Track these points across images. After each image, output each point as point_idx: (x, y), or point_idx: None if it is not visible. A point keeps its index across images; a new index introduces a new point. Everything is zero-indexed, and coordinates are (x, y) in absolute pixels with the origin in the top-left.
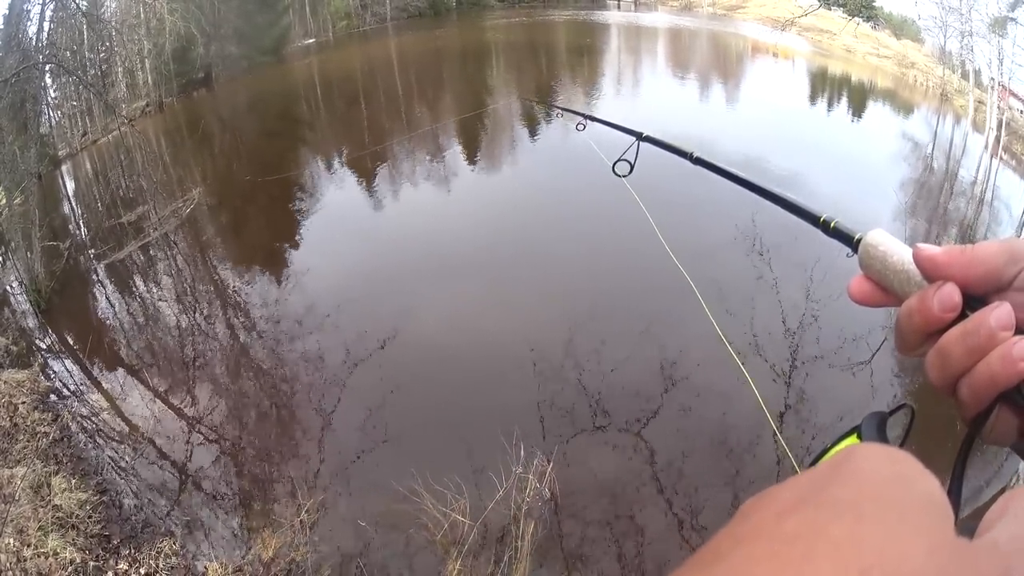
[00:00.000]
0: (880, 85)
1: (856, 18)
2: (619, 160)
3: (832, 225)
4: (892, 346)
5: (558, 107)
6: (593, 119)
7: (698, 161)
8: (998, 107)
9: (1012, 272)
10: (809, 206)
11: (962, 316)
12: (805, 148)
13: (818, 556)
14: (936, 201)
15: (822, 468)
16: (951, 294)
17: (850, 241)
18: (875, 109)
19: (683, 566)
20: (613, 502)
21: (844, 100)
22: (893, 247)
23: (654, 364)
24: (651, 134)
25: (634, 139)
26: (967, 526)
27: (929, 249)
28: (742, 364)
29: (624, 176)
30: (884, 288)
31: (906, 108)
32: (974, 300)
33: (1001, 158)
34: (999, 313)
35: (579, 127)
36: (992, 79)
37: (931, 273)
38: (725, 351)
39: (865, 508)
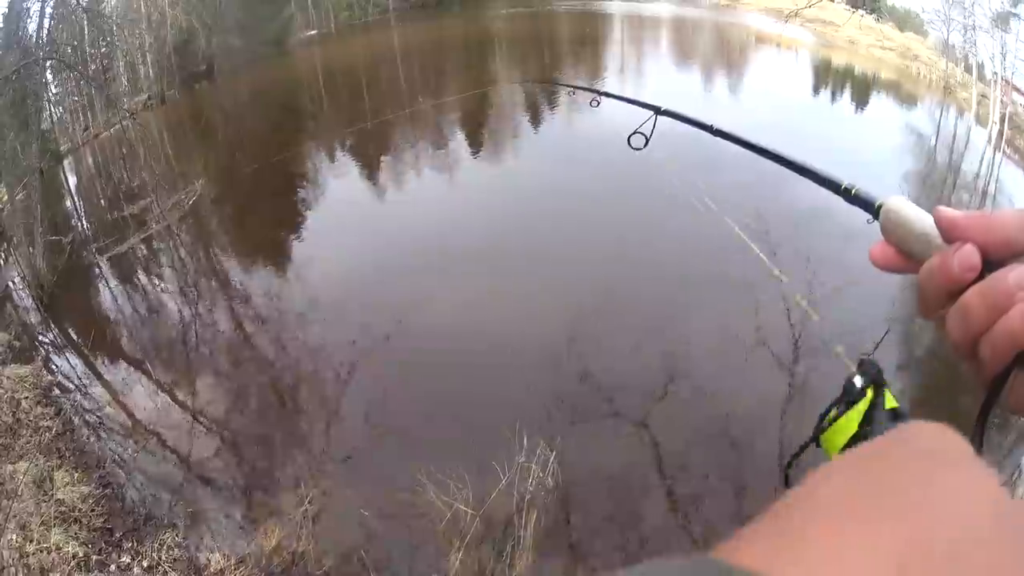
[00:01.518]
0: (883, 77)
1: (860, 10)
2: (634, 133)
3: (854, 192)
4: (895, 339)
5: (572, 86)
6: (608, 95)
7: (719, 133)
8: (1001, 101)
9: None
10: (830, 174)
11: (980, 279)
12: (808, 139)
13: (891, 498)
14: (939, 194)
15: (879, 440)
16: (971, 253)
17: (871, 207)
18: (878, 101)
19: (757, 520)
20: (617, 492)
21: (847, 92)
22: (913, 212)
23: (659, 355)
24: (669, 108)
25: (652, 113)
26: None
27: (950, 212)
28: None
29: (639, 149)
30: (904, 253)
31: (909, 101)
32: (992, 265)
33: (1004, 152)
34: (1018, 273)
35: (593, 103)
36: (995, 73)
37: (951, 235)
38: (731, 342)
39: (933, 472)
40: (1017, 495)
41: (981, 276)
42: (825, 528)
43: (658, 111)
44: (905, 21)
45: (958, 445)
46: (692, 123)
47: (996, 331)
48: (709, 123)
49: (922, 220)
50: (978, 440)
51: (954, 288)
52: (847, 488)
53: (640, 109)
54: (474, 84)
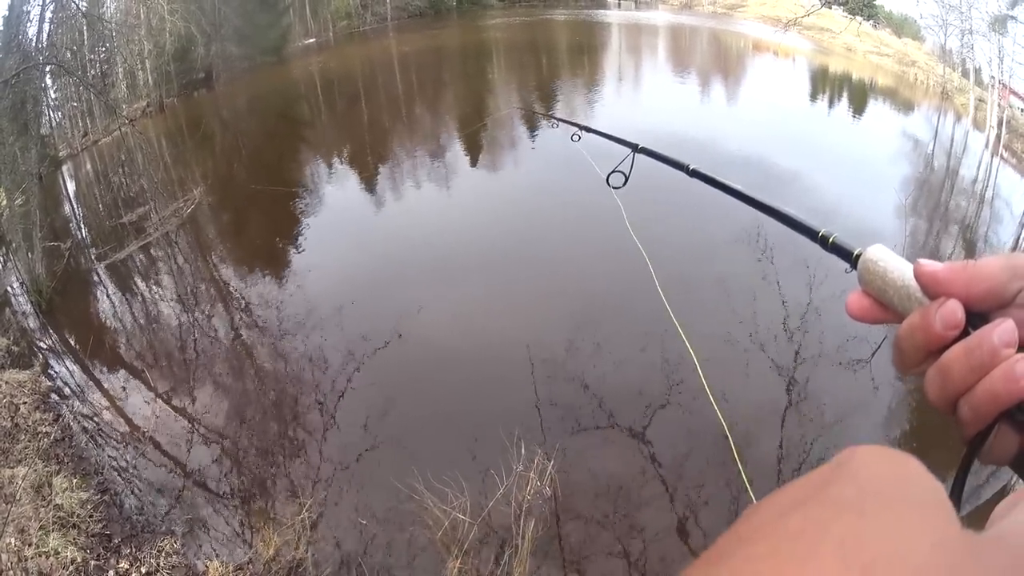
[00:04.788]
0: (881, 83)
1: (857, 17)
2: (613, 172)
3: (831, 240)
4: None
5: (555, 118)
6: (589, 130)
7: (695, 174)
8: (998, 105)
9: (1015, 288)
10: (807, 220)
11: (964, 333)
12: (806, 147)
13: (821, 552)
14: (937, 199)
15: (823, 469)
16: (954, 311)
17: (849, 256)
18: (876, 107)
19: (689, 567)
20: (614, 501)
21: (845, 99)
22: (893, 262)
23: (656, 364)
24: (647, 146)
25: (629, 151)
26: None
27: (930, 265)
28: (705, 380)
29: (618, 188)
30: (883, 304)
31: (907, 106)
32: (976, 317)
33: (1002, 156)
34: (1002, 330)
35: (575, 138)
36: (992, 77)
37: (932, 290)
38: (728, 351)
39: (867, 505)
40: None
41: (964, 331)
42: None
43: (636, 149)
44: (902, 27)
45: (901, 473)
46: (668, 162)
47: (977, 392)
48: (686, 163)
49: (902, 271)
50: (958, 495)
51: (935, 346)
52: (778, 537)
53: (629, 125)
54: (472, 97)
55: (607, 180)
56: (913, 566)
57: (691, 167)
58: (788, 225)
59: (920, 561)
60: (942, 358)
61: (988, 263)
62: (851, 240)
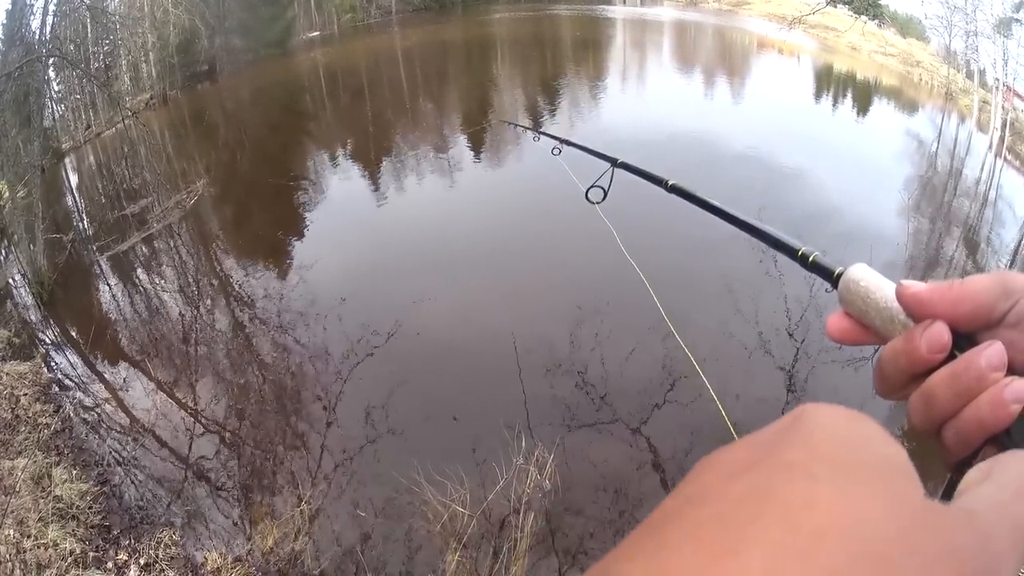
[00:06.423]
0: (885, 83)
1: (862, 16)
2: (592, 187)
3: (811, 259)
4: None
5: (536, 130)
6: (569, 143)
7: (673, 189)
8: (1002, 107)
9: (1003, 308)
10: (787, 238)
11: (950, 356)
12: (809, 144)
13: (767, 517)
14: (940, 200)
15: (774, 428)
16: (940, 334)
17: (829, 276)
18: (880, 107)
19: (636, 528)
20: (614, 495)
21: (849, 97)
22: (875, 283)
23: (657, 359)
24: (627, 160)
25: (608, 165)
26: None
27: (914, 286)
28: (702, 371)
29: (597, 203)
30: (865, 326)
31: (911, 107)
32: (962, 339)
33: (1005, 158)
34: (990, 353)
35: (555, 151)
36: (997, 79)
37: (916, 312)
38: (730, 347)
39: (818, 469)
40: (1004, 470)
41: (951, 354)
42: (698, 554)
43: (615, 163)
44: (907, 27)
45: (858, 434)
46: (647, 177)
47: (963, 418)
48: (665, 178)
49: (885, 291)
50: None
51: (920, 370)
52: (725, 500)
53: (631, 122)
54: (477, 91)
55: (586, 195)
56: (866, 535)
57: (670, 183)
58: (767, 243)
59: (874, 530)
60: (927, 383)
61: (975, 282)
62: (853, 242)
